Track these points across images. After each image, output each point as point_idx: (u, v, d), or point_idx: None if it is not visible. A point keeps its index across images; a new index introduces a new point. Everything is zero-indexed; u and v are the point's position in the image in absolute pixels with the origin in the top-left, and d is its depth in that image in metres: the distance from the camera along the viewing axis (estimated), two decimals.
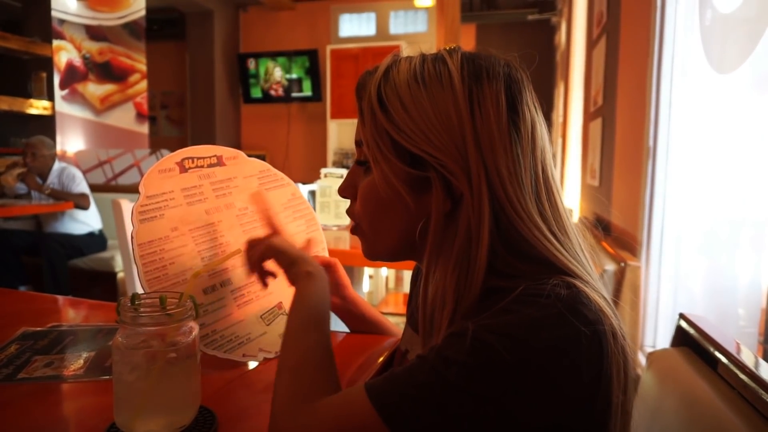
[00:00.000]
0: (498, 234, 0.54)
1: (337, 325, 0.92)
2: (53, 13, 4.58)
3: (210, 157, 0.84)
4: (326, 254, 0.96)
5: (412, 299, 0.81)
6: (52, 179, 3.55)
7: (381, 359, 0.80)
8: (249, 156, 0.91)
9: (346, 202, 0.69)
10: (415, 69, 0.57)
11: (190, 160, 0.81)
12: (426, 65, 0.57)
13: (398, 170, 0.57)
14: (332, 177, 2.21)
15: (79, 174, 3.60)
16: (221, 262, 0.77)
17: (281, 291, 0.85)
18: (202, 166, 0.83)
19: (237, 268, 0.81)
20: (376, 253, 0.65)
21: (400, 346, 0.78)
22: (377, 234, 0.63)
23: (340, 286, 0.89)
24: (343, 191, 0.66)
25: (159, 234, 0.73)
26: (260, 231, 0.85)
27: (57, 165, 3.60)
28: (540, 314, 0.47)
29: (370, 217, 0.62)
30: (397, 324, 0.94)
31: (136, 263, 0.71)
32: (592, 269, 0.57)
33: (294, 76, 6.59)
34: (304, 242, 0.91)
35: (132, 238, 0.71)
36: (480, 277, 0.53)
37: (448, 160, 0.54)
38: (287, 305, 0.84)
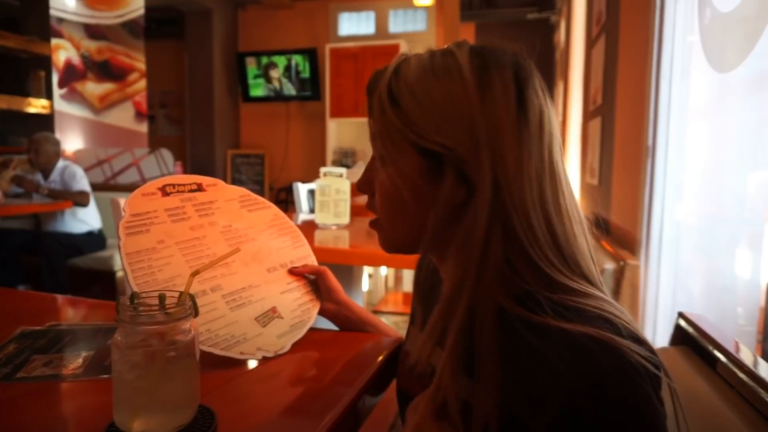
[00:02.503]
0: (505, 233, 0.52)
1: (322, 323, 0.93)
2: (52, 12, 4.57)
3: (190, 184, 0.89)
4: (315, 263, 0.99)
5: (415, 298, 0.82)
6: (55, 177, 3.55)
7: (381, 358, 0.80)
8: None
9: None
10: (425, 63, 0.58)
11: (171, 186, 0.85)
12: (435, 59, 0.58)
13: (412, 163, 0.57)
14: (331, 176, 2.21)
15: (80, 171, 3.60)
16: (221, 260, 0.77)
17: (273, 297, 0.87)
18: (183, 191, 0.87)
19: (227, 276, 0.82)
20: (394, 246, 0.65)
21: (405, 346, 0.78)
22: (394, 226, 0.64)
23: (333, 291, 0.92)
24: (361, 186, 0.67)
25: (146, 246, 0.76)
26: (246, 246, 0.88)
27: (61, 162, 3.60)
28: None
29: (387, 210, 0.63)
30: (396, 323, 0.95)
31: (124, 270, 0.72)
32: (594, 270, 0.57)
33: (293, 75, 6.58)
34: (299, 265, 0.95)
35: (120, 248, 0.73)
36: (493, 271, 0.52)
37: (461, 149, 0.54)
38: (281, 310, 0.85)
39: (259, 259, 0.90)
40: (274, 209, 1.00)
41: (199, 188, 0.90)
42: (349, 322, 0.93)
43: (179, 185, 0.86)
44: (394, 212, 0.62)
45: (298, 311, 0.88)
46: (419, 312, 0.79)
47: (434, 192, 0.57)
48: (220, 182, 0.94)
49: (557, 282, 0.52)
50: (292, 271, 0.94)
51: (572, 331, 0.46)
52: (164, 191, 0.84)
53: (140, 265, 0.73)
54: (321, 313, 0.93)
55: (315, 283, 0.95)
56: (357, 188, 0.67)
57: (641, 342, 0.48)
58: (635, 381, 0.45)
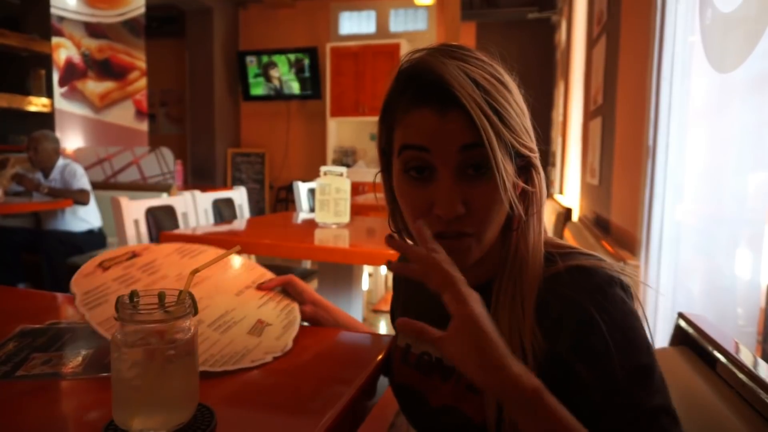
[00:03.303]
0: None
1: None
2: (52, 10, 4.57)
3: (125, 254, 0.92)
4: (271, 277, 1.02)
5: (398, 296, 0.85)
6: (55, 175, 3.54)
7: (380, 356, 0.80)
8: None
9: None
10: (492, 71, 0.62)
11: (108, 261, 0.88)
12: (491, 67, 0.62)
13: (511, 171, 0.61)
14: (331, 175, 2.20)
15: (80, 170, 3.59)
16: (219, 259, 0.77)
17: (253, 312, 0.89)
18: (120, 262, 0.89)
19: (201, 310, 0.84)
20: (481, 255, 0.64)
21: (399, 343, 0.78)
22: (492, 237, 0.64)
23: (304, 293, 0.95)
24: (461, 208, 0.60)
25: (112, 312, 0.75)
26: (204, 284, 0.91)
27: (61, 161, 3.59)
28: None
29: (490, 220, 0.62)
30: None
31: (104, 335, 0.72)
32: None
33: (294, 73, 6.58)
34: (275, 279, 0.98)
35: (89, 323, 0.74)
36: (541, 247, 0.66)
37: (536, 149, 0.64)
38: (267, 319, 0.87)
39: (223, 290, 0.92)
40: (212, 249, 1.03)
41: (135, 255, 0.93)
42: (327, 321, 0.96)
43: (115, 258, 0.89)
44: (496, 221, 0.63)
45: (282, 315, 0.90)
46: (404, 306, 0.81)
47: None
48: (152, 245, 0.98)
49: (555, 242, 0.68)
50: (261, 287, 0.96)
51: (571, 265, 0.62)
52: (103, 267, 0.86)
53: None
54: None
55: (285, 291, 0.98)
56: (453, 213, 0.59)
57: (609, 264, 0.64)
58: (622, 287, 0.61)
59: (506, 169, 0.59)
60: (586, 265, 0.61)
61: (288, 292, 0.97)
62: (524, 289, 0.63)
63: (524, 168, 0.65)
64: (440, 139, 0.59)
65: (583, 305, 0.58)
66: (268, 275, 1.01)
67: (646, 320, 0.60)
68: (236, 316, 0.86)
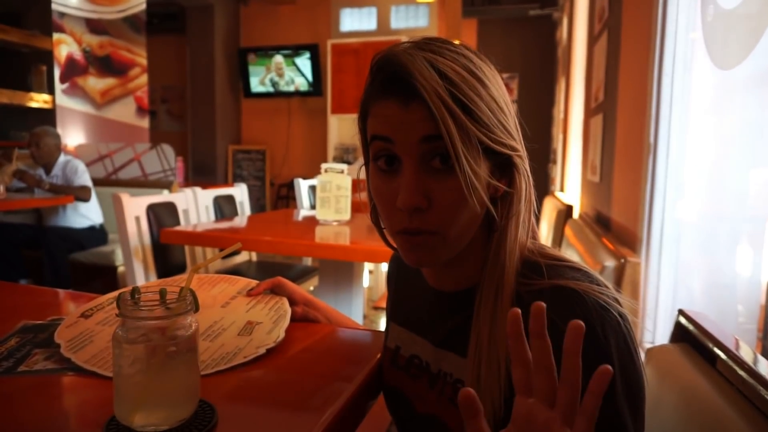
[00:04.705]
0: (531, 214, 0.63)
1: None
2: (53, 6, 4.57)
3: (106, 299, 0.91)
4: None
5: (392, 296, 0.83)
6: (57, 171, 3.55)
7: (380, 354, 0.80)
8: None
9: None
10: (468, 65, 0.59)
11: (90, 310, 0.88)
12: (470, 60, 0.59)
13: (483, 168, 0.59)
14: (332, 172, 2.20)
15: (82, 166, 3.59)
16: (221, 256, 0.77)
17: (241, 316, 0.89)
18: (103, 308, 0.89)
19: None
20: (451, 256, 0.62)
21: (388, 345, 0.78)
22: (460, 237, 0.61)
23: (294, 294, 0.95)
24: (420, 200, 0.58)
25: (98, 348, 0.76)
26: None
27: (62, 157, 3.59)
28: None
29: (456, 219, 0.59)
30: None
31: (91, 371, 0.71)
32: None
33: (295, 70, 6.57)
34: (267, 283, 0.97)
35: (76, 363, 0.72)
36: (519, 253, 0.62)
37: (520, 147, 0.62)
38: (256, 319, 0.87)
39: (208, 305, 0.92)
40: (191, 275, 1.03)
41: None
42: (319, 321, 0.95)
43: (96, 307, 0.89)
44: (464, 222, 0.60)
45: (271, 312, 0.90)
46: (394, 307, 0.80)
47: (490, 191, 0.61)
48: (135, 287, 0.97)
49: (544, 251, 0.64)
50: (251, 294, 0.96)
51: (558, 285, 0.57)
52: (84, 316, 0.85)
53: (103, 362, 0.72)
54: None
55: (273, 292, 0.97)
56: (411, 203, 0.58)
57: (603, 285, 0.59)
58: (606, 311, 0.55)
59: (470, 164, 0.56)
60: (574, 288, 0.57)
61: (277, 293, 0.97)
62: (504, 301, 0.59)
63: (504, 167, 0.62)
64: (402, 129, 0.58)
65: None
66: (253, 283, 1.00)
67: (641, 353, 0.57)
68: (225, 323, 0.86)
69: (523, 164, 0.62)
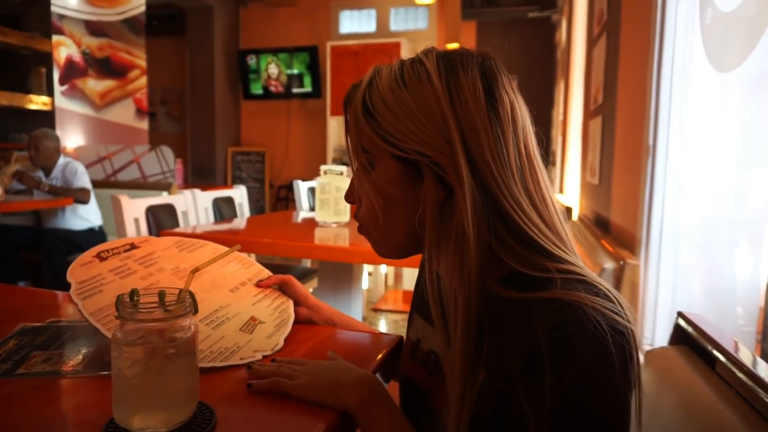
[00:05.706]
0: (497, 216, 0.57)
1: None
2: (53, 9, 4.57)
3: (123, 245, 0.91)
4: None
5: (419, 287, 0.82)
6: (56, 173, 3.54)
7: (380, 355, 0.80)
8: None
9: (346, 197, 0.70)
10: (395, 73, 0.60)
11: (105, 252, 0.88)
12: (405, 68, 0.60)
13: (392, 171, 0.60)
14: (332, 174, 2.21)
15: (81, 168, 3.59)
16: (220, 257, 0.77)
17: (246, 309, 0.88)
18: (118, 253, 0.89)
19: (202, 303, 0.84)
20: (386, 252, 0.67)
21: (410, 336, 0.79)
22: (385, 233, 0.65)
23: (302, 296, 0.95)
24: (348, 197, 0.68)
25: (105, 303, 0.77)
26: (200, 278, 0.90)
27: (62, 159, 3.59)
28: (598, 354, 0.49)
29: (373, 217, 0.64)
30: (395, 321, 0.95)
31: (94, 327, 0.73)
32: (575, 250, 0.61)
33: (294, 72, 6.58)
34: (275, 279, 0.97)
35: (81, 312, 0.74)
36: (477, 259, 0.56)
37: (436, 152, 0.57)
38: (260, 317, 0.87)
39: (218, 285, 0.92)
40: (212, 245, 1.03)
41: (133, 246, 0.93)
42: (324, 323, 0.95)
43: (113, 249, 0.89)
44: (382, 218, 0.63)
45: (276, 314, 0.90)
46: (420, 299, 0.80)
47: (416, 195, 0.59)
48: (152, 237, 0.97)
49: (545, 249, 0.57)
50: (259, 285, 0.96)
51: (542, 298, 0.53)
52: (100, 257, 0.86)
53: (107, 319, 0.73)
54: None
55: (281, 289, 0.98)
56: (345, 199, 0.69)
57: (611, 299, 0.53)
58: (592, 330, 0.49)
59: (360, 163, 0.62)
60: (563, 299, 0.52)
61: (285, 291, 0.97)
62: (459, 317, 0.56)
63: (437, 180, 0.57)
64: None
65: (537, 336, 0.50)
66: (266, 273, 1.00)
67: (639, 386, 0.52)
68: (230, 312, 0.85)
69: (443, 173, 0.56)
